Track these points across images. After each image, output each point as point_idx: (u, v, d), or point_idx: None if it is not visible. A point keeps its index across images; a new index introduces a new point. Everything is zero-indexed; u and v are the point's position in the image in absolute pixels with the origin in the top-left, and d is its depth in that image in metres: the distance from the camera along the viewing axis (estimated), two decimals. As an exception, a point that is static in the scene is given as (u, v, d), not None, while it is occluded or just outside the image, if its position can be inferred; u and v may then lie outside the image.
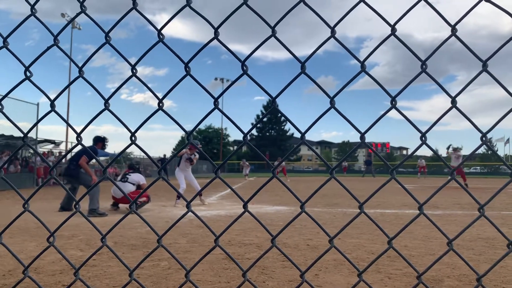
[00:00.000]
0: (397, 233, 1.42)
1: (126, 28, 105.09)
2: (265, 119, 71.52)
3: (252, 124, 68.97)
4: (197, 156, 11.05)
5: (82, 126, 1.38)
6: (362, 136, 1.31)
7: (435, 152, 1.33)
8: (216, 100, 1.27)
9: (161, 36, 1.21)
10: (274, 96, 1.29)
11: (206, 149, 64.83)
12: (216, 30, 1.22)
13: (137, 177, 9.39)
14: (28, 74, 1.32)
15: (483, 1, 1.23)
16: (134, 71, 1.25)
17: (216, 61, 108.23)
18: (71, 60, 1.35)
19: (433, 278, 3.48)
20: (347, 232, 5.85)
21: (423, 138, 1.28)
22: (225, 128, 69.74)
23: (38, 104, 17.55)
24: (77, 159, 8.56)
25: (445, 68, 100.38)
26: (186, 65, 1.24)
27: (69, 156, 14.89)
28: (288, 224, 1.47)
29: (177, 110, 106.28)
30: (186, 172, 10.97)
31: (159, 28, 1.21)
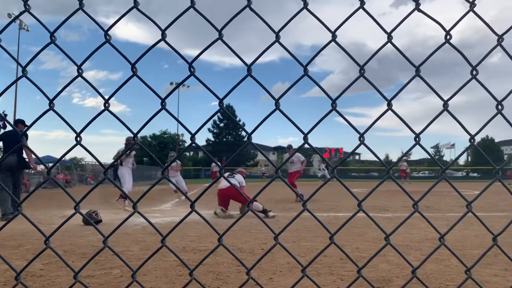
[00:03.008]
0: (338, 229, 1.48)
1: (78, 31, 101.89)
2: (221, 124, 71.28)
3: (208, 129, 68.56)
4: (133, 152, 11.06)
5: (30, 131, 1.33)
6: (305, 137, 1.35)
7: (372, 152, 1.40)
8: (163, 101, 1.27)
9: (107, 37, 1.20)
10: (221, 97, 1.30)
11: (161, 155, 63.74)
12: (163, 32, 1.22)
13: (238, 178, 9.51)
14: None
15: (417, 11, 1.31)
16: (80, 71, 1.23)
17: (173, 65, 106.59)
18: (15, 59, 1.31)
19: (382, 279, 3.60)
20: (301, 236, 5.94)
21: (361, 139, 1.34)
22: (182, 134, 68.91)
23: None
24: (20, 150, 8.15)
25: (396, 76, 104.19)
26: (133, 66, 1.23)
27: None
28: (236, 222, 1.48)
29: (131, 115, 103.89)
30: (129, 170, 11.09)
31: (106, 29, 1.20)
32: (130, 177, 10.89)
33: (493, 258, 4.23)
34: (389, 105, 1.32)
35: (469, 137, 1.46)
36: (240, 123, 68.87)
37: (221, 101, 1.29)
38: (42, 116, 1.22)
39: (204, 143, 70.88)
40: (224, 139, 73.27)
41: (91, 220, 7.53)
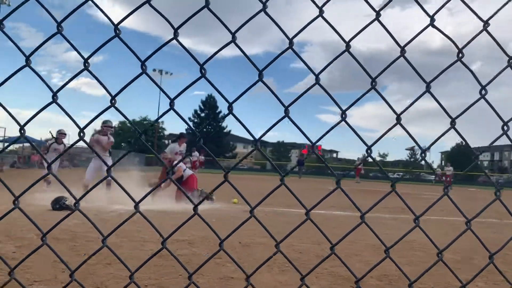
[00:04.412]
0: (339, 240, 1.51)
1: (60, 11, 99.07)
2: (202, 114, 70.78)
3: (189, 118, 67.96)
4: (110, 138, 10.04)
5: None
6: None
7: (379, 166, 1.42)
8: (172, 101, 1.26)
9: (117, 32, 1.18)
10: (231, 101, 1.29)
11: (140, 142, 62.92)
12: (176, 31, 1.20)
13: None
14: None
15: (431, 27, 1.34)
16: (87, 64, 1.21)
17: (157, 52, 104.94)
18: (18, 47, 1.27)
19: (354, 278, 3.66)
20: (278, 231, 5.98)
21: (369, 151, 1.37)
22: (162, 122, 68.14)
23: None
24: None
25: (379, 79, 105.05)
26: (143, 64, 1.21)
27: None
28: (241, 225, 1.50)
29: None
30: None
31: (116, 22, 1.18)
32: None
33: (465, 264, 4.36)
34: (398, 119, 1.35)
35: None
36: (221, 114, 68.63)
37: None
38: (44, 108, 1.20)
39: (184, 132, 70.22)
40: (205, 129, 72.85)
41: (63, 208, 7.31)
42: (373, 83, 1.36)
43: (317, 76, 1.33)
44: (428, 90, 1.37)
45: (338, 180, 1.42)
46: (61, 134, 11.49)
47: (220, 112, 69.52)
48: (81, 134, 1.23)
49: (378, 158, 78.52)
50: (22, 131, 1.25)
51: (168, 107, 1.30)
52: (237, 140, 79.08)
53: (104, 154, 9.74)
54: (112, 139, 9.96)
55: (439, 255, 1.51)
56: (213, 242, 4.94)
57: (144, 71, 1.23)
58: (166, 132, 72.76)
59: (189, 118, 69.50)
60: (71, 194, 1.39)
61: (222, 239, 1.40)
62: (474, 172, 54.05)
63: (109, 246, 1.43)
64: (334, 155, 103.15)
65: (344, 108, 1.35)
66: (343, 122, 1.36)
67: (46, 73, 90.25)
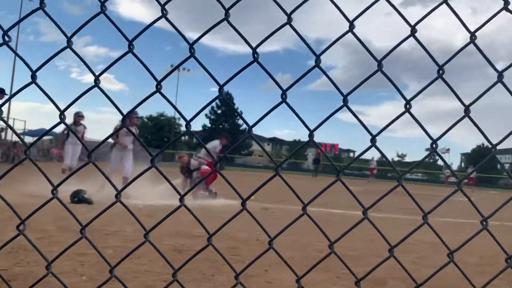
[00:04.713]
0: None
1: (80, 4, 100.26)
2: (219, 111, 70.98)
3: (206, 115, 68.16)
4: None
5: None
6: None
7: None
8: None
9: (164, 12, 1.15)
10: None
11: (156, 137, 63.54)
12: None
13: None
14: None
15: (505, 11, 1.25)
16: (132, 46, 1.17)
17: (175, 48, 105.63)
18: (62, 30, 1.24)
19: (377, 280, 3.58)
20: (295, 230, 5.93)
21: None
22: (178, 118, 68.51)
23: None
24: None
25: (398, 76, 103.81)
26: (191, 46, 1.16)
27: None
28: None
29: (129, 94, 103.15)
30: (74, 145, 10.55)
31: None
32: (71, 152, 10.68)
33: (489, 266, 4.24)
34: (467, 111, 1.28)
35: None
36: (238, 111, 68.71)
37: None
38: (86, 92, 1.17)
39: (200, 129, 70.48)
40: (221, 126, 73.01)
41: (81, 201, 7.36)
42: (440, 72, 1.30)
43: (379, 63, 1.28)
44: (500, 80, 1.28)
45: (399, 178, 1.36)
46: (79, 116, 10.87)
47: (237, 108, 69.53)
48: (125, 121, 1.21)
49: (396, 159, 77.53)
50: (62, 117, 1.23)
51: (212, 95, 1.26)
52: (252, 138, 78.87)
53: (128, 147, 9.83)
54: (137, 130, 10.15)
55: (508, 261, 1.43)
56: (230, 238, 4.91)
57: (192, 55, 1.21)
58: (183, 128, 73.06)
59: (206, 115, 69.64)
60: (112, 185, 1.39)
61: (272, 237, 1.36)
62: (495, 175, 53.09)
63: (152, 242, 1.41)
64: (351, 154, 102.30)
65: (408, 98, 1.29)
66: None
67: (64, 67, 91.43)
